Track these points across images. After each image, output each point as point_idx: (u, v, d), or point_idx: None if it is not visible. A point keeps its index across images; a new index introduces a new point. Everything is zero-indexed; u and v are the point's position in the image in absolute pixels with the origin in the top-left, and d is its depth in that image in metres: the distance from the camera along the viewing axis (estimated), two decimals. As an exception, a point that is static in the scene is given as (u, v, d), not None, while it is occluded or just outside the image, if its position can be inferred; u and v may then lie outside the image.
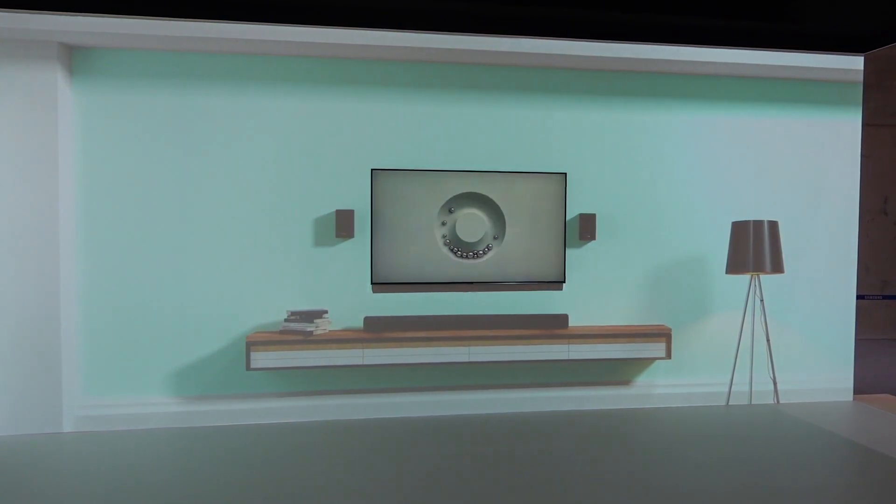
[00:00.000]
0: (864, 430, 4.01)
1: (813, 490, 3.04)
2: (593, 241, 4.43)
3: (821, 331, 4.68)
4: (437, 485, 3.09)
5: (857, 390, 4.78)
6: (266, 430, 3.97)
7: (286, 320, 4.13)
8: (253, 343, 4.03)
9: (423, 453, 3.54)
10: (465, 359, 4.24)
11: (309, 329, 4.09)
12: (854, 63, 4.63)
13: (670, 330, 4.47)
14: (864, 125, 4.71)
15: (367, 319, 4.19)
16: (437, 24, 4.14)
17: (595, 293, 4.45)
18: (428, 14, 4.00)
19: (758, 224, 4.36)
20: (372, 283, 4.22)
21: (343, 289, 4.21)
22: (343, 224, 4.17)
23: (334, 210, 4.18)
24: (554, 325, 4.34)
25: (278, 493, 2.99)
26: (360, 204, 4.21)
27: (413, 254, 4.25)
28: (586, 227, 4.41)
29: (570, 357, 4.31)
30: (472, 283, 4.32)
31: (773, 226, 4.39)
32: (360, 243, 4.22)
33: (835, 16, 4.08)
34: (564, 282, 4.39)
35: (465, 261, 4.31)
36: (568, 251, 4.40)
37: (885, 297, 7.36)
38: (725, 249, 4.49)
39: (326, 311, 4.18)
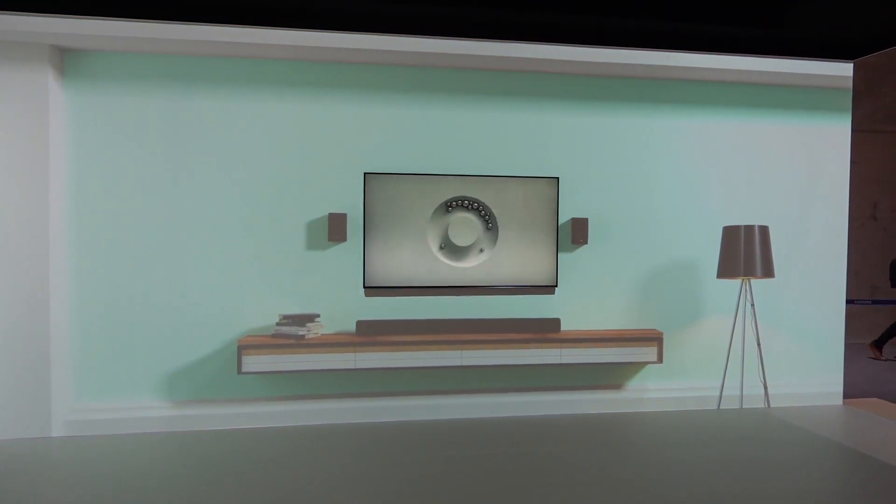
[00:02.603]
0: (854, 434, 4.03)
1: (803, 493, 3.05)
2: (585, 246, 4.44)
3: (811, 335, 4.71)
4: (429, 489, 3.09)
5: (847, 394, 4.81)
6: (258, 434, 3.95)
7: (278, 324, 4.12)
8: (245, 347, 4.02)
9: (416, 457, 3.53)
10: (457, 363, 4.24)
11: (301, 333, 4.08)
12: (843, 70, 4.67)
13: (662, 334, 4.49)
14: (854, 131, 4.76)
15: (359, 323, 4.18)
16: (431, 29, 4.15)
17: (587, 297, 4.46)
18: (422, 18, 4.01)
19: (749, 229, 4.39)
20: (364, 287, 4.22)
21: (335, 293, 4.21)
22: (336, 228, 4.17)
23: (327, 214, 4.18)
24: (546, 329, 4.34)
25: (270, 498, 2.97)
26: (352, 208, 4.21)
27: (405, 258, 4.25)
28: (579, 231, 4.42)
29: (563, 361, 4.32)
30: (464, 287, 4.32)
31: (764, 230, 4.42)
32: (352, 247, 4.22)
33: (825, 23, 4.12)
34: (557, 286, 4.40)
35: (457, 265, 4.31)
36: (560, 255, 4.41)
37: (874, 302, 7.41)
38: (716, 254, 4.52)
39: (318, 315, 4.17)
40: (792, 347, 4.68)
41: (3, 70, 3.81)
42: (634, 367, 4.51)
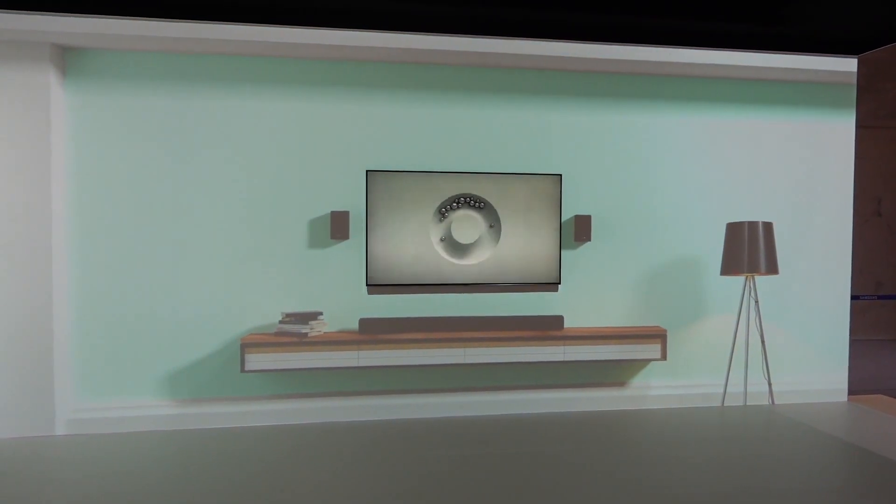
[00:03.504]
0: (859, 431, 4.02)
1: (807, 491, 3.04)
2: (588, 243, 4.43)
3: (815, 331, 4.69)
4: (432, 487, 3.08)
5: (852, 391, 4.79)
6: (261, 433, 3.94)
7: (281, 322, 4.11)
8: (247, 345, 4.02)
9: (419, 455, 3.53)
10: (460, 360, 4.23)
11: (304, 331, 4.08)
12: (847, 65, 4.65)
13: (665, 331, 4.47)
14: (858, 127, 4.73)
15: (362, 321, 4.17)
16: (434, 27, 4.13)
17: (590, 295, 4.44)
18: (424, 16, 3.99)
19: (752, 225, 4.37)
20: (367, 285, 4.21)
21: (338, 290, 4.20)
22: (338, 225, 4.16)
23: (329, 212, 4.17)
24: (549, 327, 4.33)
25: (273, 496, 2.97)
26: (355, 205, 4.20)
27: (408, 255, 4.24)
28: (582, 228, 4.41)
29: (566, 358, 4.31)
30: (467, 284, 4.30)
31: (768, 227, 4.40)
32: (355, 245, 4.21)
33: (828, 18, 4.09)
34: (560, 283, 4.39)
35: (460, 262, 4.30)
36: (563, 252, 4.39)
37: (879, 298, 7.38)
38: (720, 251, 4.50)
39: (321, 313, 4.17)
40: (796, 344, 4.66)
41: (4, 68, 3.81)
42: (638, 365, 4.49)
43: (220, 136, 4.07)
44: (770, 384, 4.57)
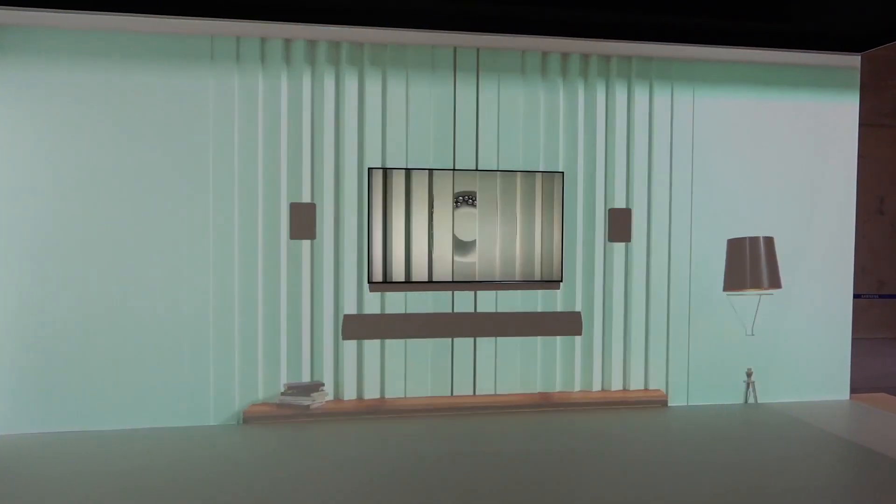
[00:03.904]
0: (861, 429, 4.01)
1: (809, 489, 3.03)
2: (590, 243, 4.40)
3: (818, 330, 4.64)
4: (432, 487, 3.08)
5: (854, 389, 4.78)
6: (262, 431, 3.94)
7: (283, 394, 4.07)
8: (249, 418, 3.99)
9: (423, 454, 3.52)
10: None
11: (306, 403, 4.05)
12: (850, 62, 4.62)
13: (666, 397, 4.46)
14: (860, 125, 4.71)
15: (346, 318, 4.15)
16: (446, 24, 4.11)
17: (596, 295, 4.43)
18: (430, 14, 3.97)
19: (753, 241, 4.34)
20: (368, 282, 4.19)
21: (337, 290, 4.18)
22: (301, 222, 4.05)
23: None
24: (568, 324, 4.31)
25: (275, 495, 2.97)
26: (356, 203, 4.18)
27: (409, 253, 4.21)
28: (620, 225, 4.36)
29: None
30: (468, 282, 4.28)
31: (769, 241, 4.39)
32: (357, 244, 4.18)
33: (832, 16, 4.07)
34: (561, 280, 4.37)
35: (461, 260, 4.27)
36: (574, 252, 4.37)
37: (881, 297, 7.37)
38: (722, 267, 4.46)
39: (323, 384, 4.14)
40: (798, 342, 4.63)
41: None
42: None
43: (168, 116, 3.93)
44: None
